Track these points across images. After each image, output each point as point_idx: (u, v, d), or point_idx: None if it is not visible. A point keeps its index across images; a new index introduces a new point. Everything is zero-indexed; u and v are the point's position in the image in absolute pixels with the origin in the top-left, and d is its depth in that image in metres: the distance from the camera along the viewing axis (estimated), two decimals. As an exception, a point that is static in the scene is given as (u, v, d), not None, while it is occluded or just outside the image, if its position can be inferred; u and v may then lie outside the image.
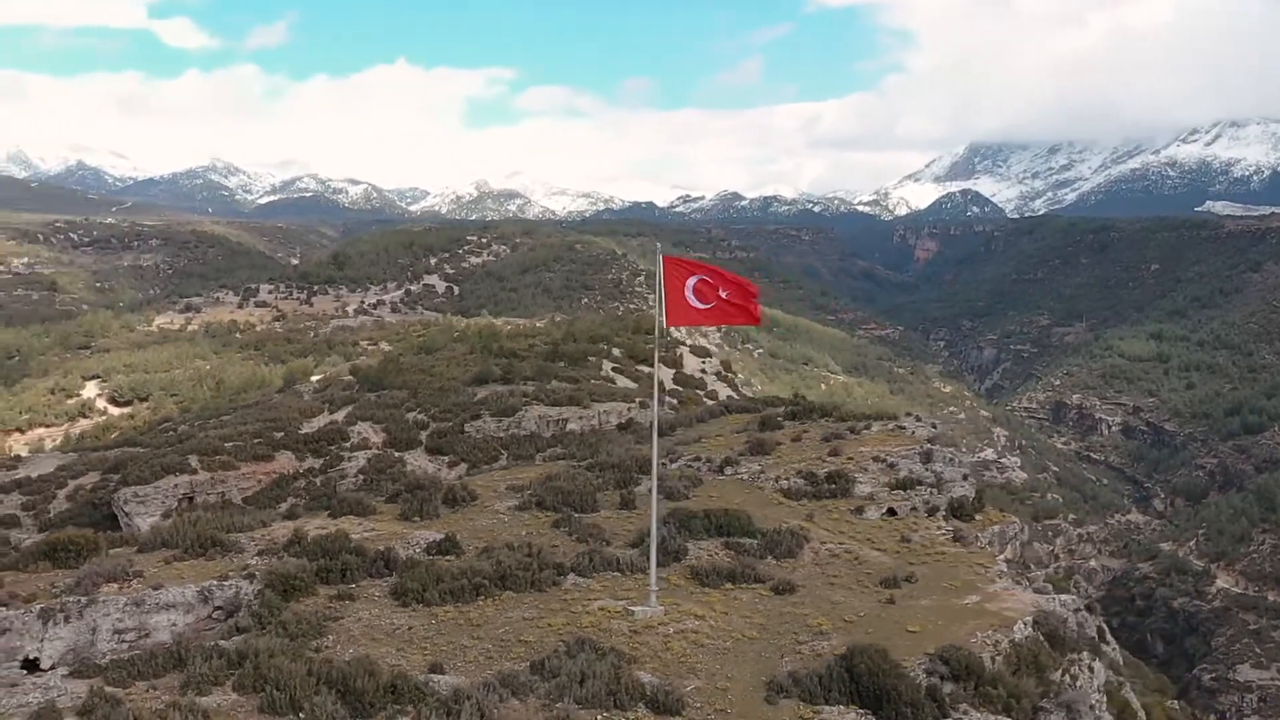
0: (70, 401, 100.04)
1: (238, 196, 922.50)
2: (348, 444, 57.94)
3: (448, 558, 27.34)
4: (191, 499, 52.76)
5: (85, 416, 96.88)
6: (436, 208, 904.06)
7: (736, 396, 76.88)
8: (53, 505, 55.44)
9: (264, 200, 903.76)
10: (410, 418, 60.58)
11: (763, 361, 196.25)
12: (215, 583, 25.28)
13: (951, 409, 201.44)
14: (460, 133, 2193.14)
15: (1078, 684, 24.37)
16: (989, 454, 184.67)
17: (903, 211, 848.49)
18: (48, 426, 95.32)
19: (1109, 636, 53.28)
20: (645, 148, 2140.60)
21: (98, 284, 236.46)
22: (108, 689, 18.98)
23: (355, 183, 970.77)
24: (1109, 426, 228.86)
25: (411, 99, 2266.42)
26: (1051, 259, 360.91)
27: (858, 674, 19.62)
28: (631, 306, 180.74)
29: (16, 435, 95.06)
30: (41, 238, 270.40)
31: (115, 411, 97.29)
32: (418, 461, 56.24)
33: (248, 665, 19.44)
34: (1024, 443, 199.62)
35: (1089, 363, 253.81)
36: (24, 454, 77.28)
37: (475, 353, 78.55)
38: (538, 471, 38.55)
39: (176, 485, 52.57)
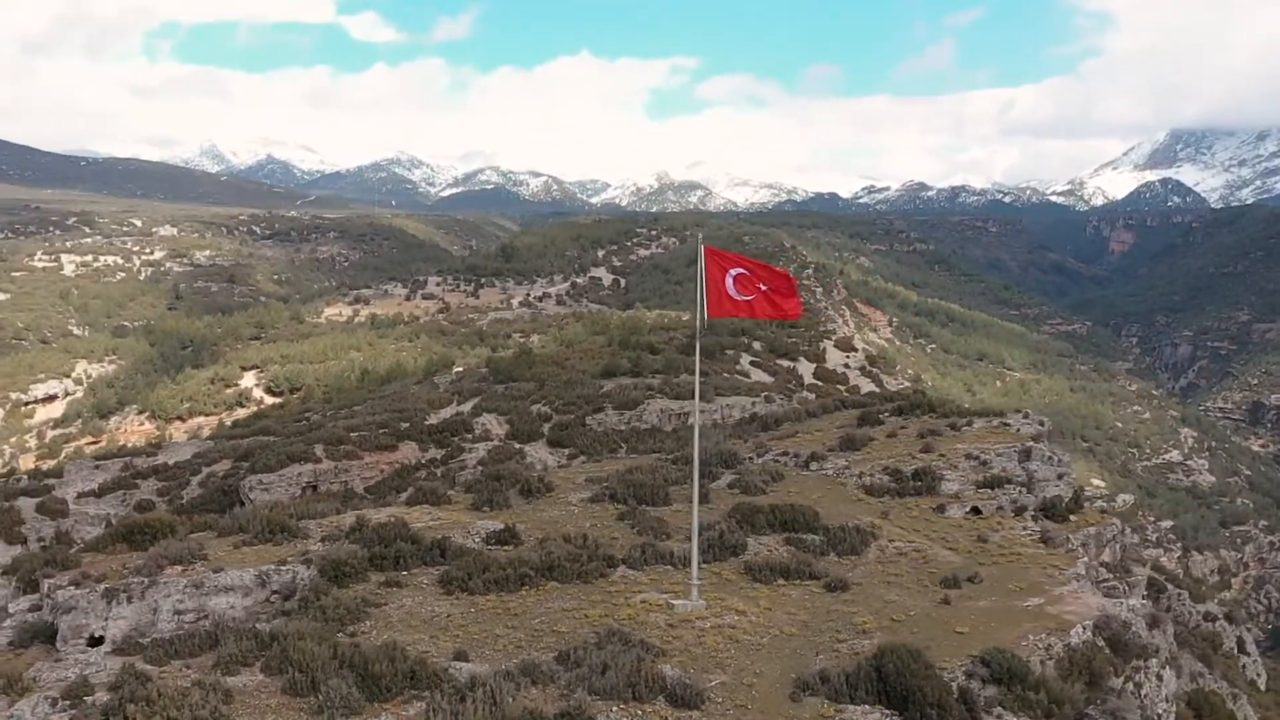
0: (229, 391, 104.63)
1: (421, 189, 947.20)
2: (470, 435, 59.00)
3: (505, 548, 27.77)
4: (315, 487, 54.40)
5: (242, 406, 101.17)
6: (617, 200, 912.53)
7: (879, 390, 75.77)
8: (186, 491, 57.85)
9: (447, 193, 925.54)
10: (535, 410, 61.52)
11: (935, 357, 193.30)
12: (274, 567, 26.06)
13: (1136, 408, 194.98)
14: (642, 123, 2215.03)
15: (1142, 692, 23.47)
16: (1174, 456, 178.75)
17: (1099, 202, 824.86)
18: (206, 415, 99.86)
19: (1250, 647, 51.15)
20: (832, 136, 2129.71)
21: (275, 276, 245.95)
22: (141, 666, 19.82)
23: (536, 175, 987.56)
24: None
25: (595, 90, 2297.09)
26: (1254, 251, 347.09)
27: (886, 674, 19.27)
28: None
29: (177, 423, 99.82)
30: (226, 230, 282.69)
31: (269, 401, 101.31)
32: (538, 453, 56.87)
33: (275, 647, 20.11)
34: (1214, 444, 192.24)
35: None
36: (179, 441, 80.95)
37: (612, 345, 79.26)
38: (623, 464, 38.69)
39: (300, 474, 54.23)
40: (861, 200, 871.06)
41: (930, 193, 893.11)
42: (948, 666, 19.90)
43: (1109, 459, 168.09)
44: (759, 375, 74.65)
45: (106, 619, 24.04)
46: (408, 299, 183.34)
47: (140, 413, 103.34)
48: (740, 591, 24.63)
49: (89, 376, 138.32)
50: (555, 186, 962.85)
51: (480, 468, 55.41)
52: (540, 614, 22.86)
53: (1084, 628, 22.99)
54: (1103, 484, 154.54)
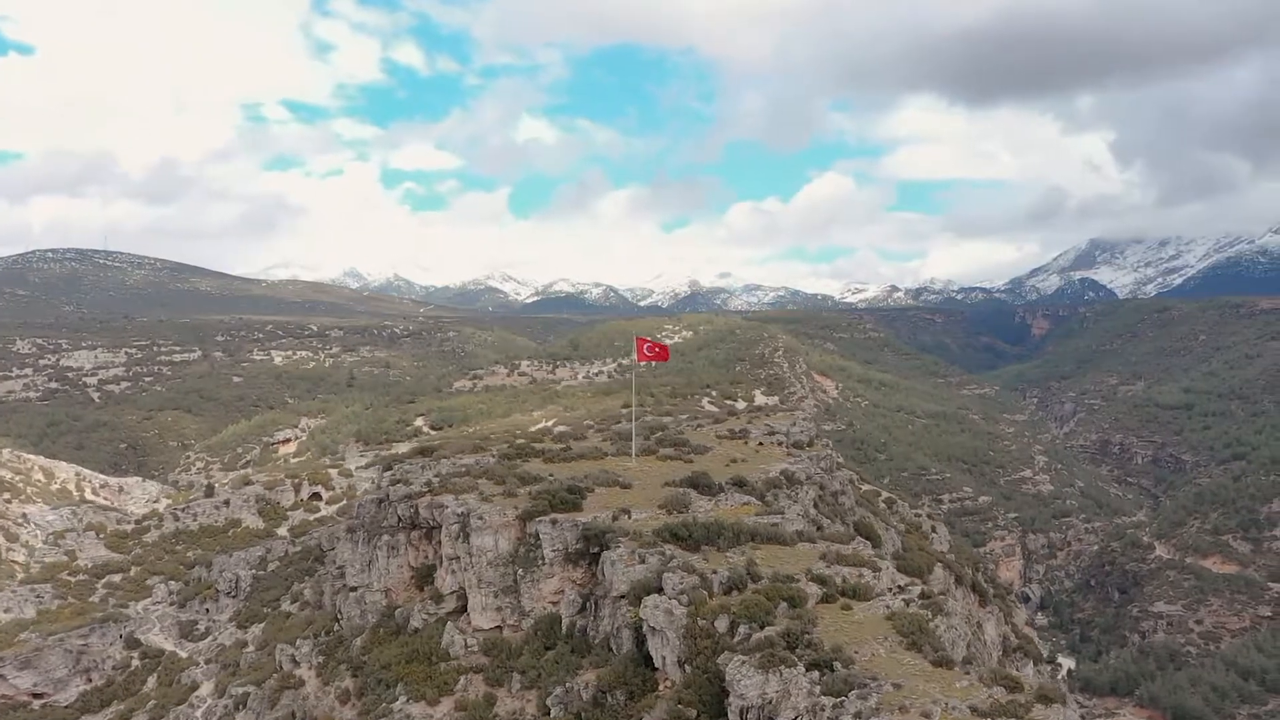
0: (408, 428, 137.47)
1: (510, 298, 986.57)
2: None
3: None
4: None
5: (415, 437, 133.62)
6: (659, 303, 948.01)
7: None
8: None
9: (530, 300, 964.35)
10: (586, 423, 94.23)
11: (866, 410, 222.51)
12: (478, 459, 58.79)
13: (1006, 443, 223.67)
14: (670, 232, 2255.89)
15: (799, 494, 55.81)
16: (1027, 473, 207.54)
17: (1033, 297, 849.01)
18: (395, 441, 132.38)
19: (940, 529, 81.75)
20: (824, 242, 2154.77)
21: (416, 363, 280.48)
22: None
23: (598, 285, 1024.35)
24: (1142, 457, 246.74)
25: (636, 212, 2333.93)
26: (1124, 333, 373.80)
27: (695, 478, 51.84)
28: (771, 371, 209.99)
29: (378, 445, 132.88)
30: (375, 332, 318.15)
31: (433, 432, 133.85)
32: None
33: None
34: (1059, 466, 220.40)
35: (1134, 411, 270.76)
36: (356, 456, 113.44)
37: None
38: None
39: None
40: (847, 299, 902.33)
41: (900, 292, 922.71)
42: (720, 479, 52.68)
43: (981, 475, 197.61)
44: (712, 407, 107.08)
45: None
46: (508, 375, 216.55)
47: (356, 441, 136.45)
48: (652, 459, 57.70)
49: (310, 428, 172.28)
50: (612, 293, 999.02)
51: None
52: (581, 467, 55.83)
53: (777, 471, 55.71)
54: (970, 490, 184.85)
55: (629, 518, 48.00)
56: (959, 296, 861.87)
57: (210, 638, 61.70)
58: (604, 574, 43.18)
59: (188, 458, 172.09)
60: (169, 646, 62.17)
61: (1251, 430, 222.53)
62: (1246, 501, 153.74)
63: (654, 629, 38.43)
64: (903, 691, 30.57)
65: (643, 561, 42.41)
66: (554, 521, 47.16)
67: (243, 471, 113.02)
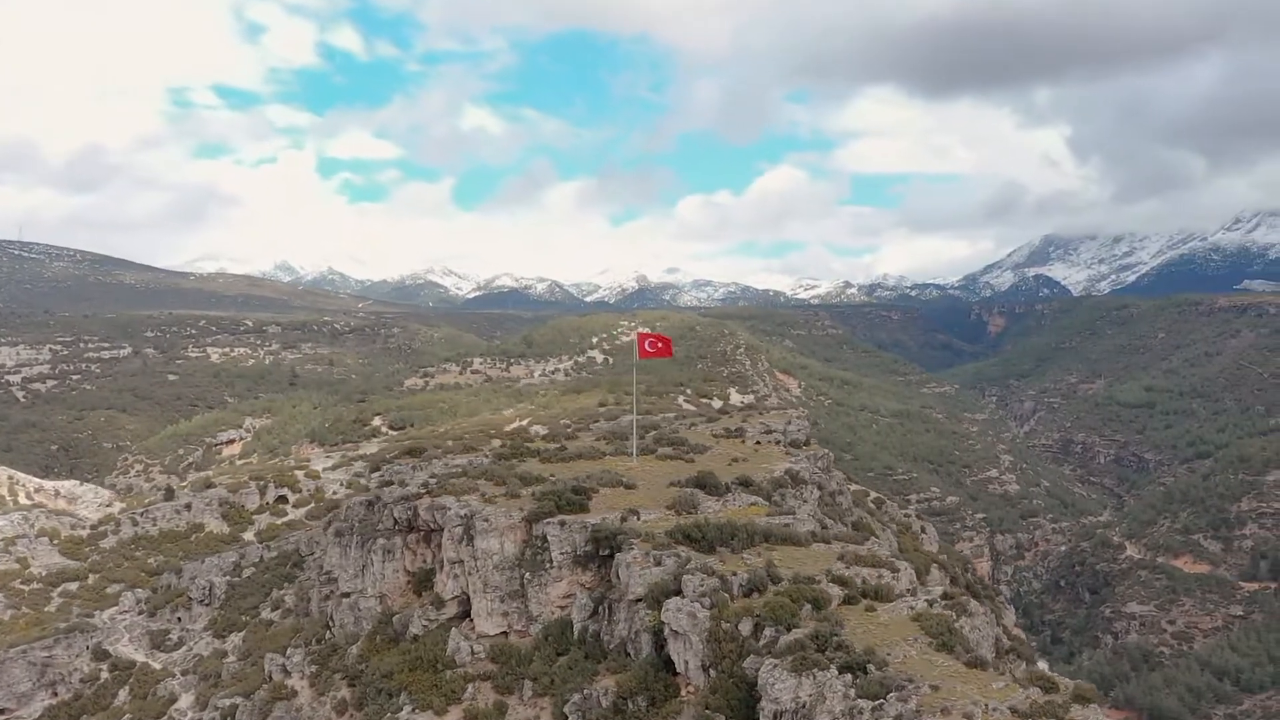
0: (366, 427, 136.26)
1: (451, 293, 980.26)
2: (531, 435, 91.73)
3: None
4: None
5: (376, 436, 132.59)
6: (606, 298, 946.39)
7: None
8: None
9: (471, 295, 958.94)
10: (563, 422, 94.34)
11: (830, 409, 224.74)
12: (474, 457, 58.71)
13: (971, 442, 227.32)
14: (618, 226, 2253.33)
15: (804, 493, 56.38)
16: (993, 473, 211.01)
17: (987, 293, 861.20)
18: (353, 441, 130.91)
19: (930, 530, 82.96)
20: (776, 237, 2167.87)
21: (361, 360, 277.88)
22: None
23: (542, 280, 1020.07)
24: (1105, 456, 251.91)
25: (583, 205, 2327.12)
26: (1083, 331, 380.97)
27: (701, 478, 52.15)
28: (734, 369, 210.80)
29: (318, 448, 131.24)
30: (315, 328, 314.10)
31: (393, 433, 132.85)
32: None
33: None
34: (1024, 466, 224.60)
35: (1096, 409, 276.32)
36: (322, 458, 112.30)
37: (610, 393, 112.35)
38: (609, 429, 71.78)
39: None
40: (800, 295, 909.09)
41: (853, 289, 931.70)
42: (725, 479, 53.03)
43: (948, 475, 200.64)
44: (689, 406, 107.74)
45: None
46: (460, 373, 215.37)
47: (311, 441, 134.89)
48: (651, 459, 57.96)
49: (255, 428, 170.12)
50: (558, 289, 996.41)
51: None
52: (581, 467, 55.94)
53: (781, 470, 56.20)
54: (938, 490, 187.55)
55: (638, 519, 48.18)
56: (913, 293, 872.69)
57: (185, 648, 60.87)
58: (618, 577, 43.23)
59: (125, 460, 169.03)
60: (140, 657, 61.21)
61: (1214, 429, 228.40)
62: (1216, 500, 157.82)
63: (676, 632, 38.61)
64: (941, 693, 30.94)
65: (658, 564, 42.59)
66: (562, 523, 47.19)
67: (203, 474, 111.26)
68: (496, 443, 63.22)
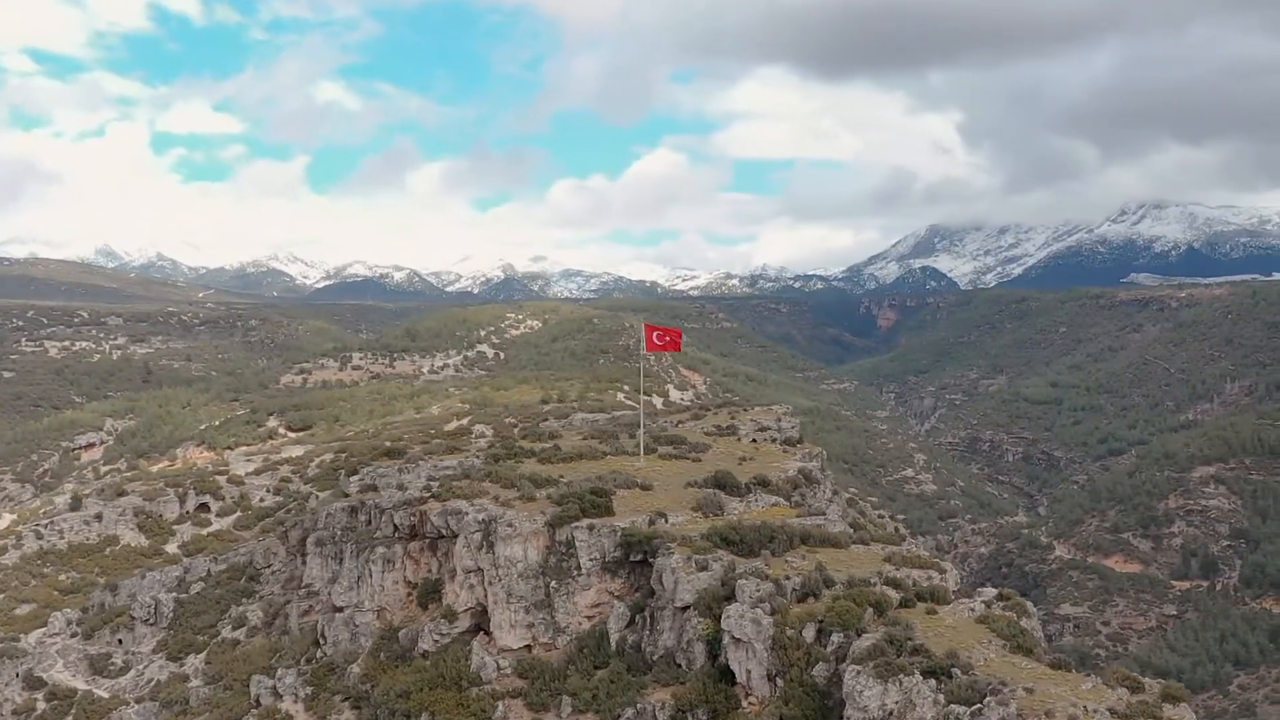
0: (260, 429, 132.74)
1: (298, 282, 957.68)
2: (474, 436, 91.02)
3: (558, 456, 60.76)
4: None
5: (273, 438, 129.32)
6: (469, 289, 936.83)
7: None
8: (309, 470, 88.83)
9: (320, 285, 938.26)
10: (508, 421, 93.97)
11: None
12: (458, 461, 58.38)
13: (883, 441, 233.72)
14: (485, 211, 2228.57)
15: (818, 490, 57.70)
16: (909, 473, 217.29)
17: (872, 285, 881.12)
18: (248, 444, 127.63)
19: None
20: (652, 224, 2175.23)
21: (220, 356, 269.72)
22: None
23: (399, 268, 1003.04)
24: (1013, 455, 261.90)
25: (449, 188, 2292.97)
26: (982, 325, 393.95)
27: (719, 478, 52.97)
28: (639, 365, 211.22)
29: (227, 451, 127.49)
30: (160, 320, 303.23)
31: (293, 434, 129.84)
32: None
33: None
34: (938, 465, 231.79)
35: (1001, 406, 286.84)
36: (243, 462, 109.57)
37: (540, 389, 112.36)
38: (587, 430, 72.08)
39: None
40: (677, 287, 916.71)
41: (734, 280, 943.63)
42: (742, 478, 53.92)
43: (863, 475, 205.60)
44: (629, 404, 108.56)
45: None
46: (340, 369, 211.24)
47: (199, 444, 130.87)
48: (655, 458, 58.53)
49: (117, 430, 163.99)
50: (416, 278, 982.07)
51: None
52: (585, 467, 56.17)
53: (794, 469, 57.37)
54: (855, 491, 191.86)
55: (665, 521, 48.71)
56: (796, 285, 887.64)
57: (133, 672, 58.87)
58: (661, 583, 43.62)
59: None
60: (81, 685, 58.90)
61: (1124, 425, 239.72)
62: (1143, 498, 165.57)
63: (738, 640, 39.23)
64: (1036, 695, 32.27)
65: (704, 569, 43.17)
66: (590, 527, 47.44)
67: (108, 481, 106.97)
68: (483, 442, 62.81)
